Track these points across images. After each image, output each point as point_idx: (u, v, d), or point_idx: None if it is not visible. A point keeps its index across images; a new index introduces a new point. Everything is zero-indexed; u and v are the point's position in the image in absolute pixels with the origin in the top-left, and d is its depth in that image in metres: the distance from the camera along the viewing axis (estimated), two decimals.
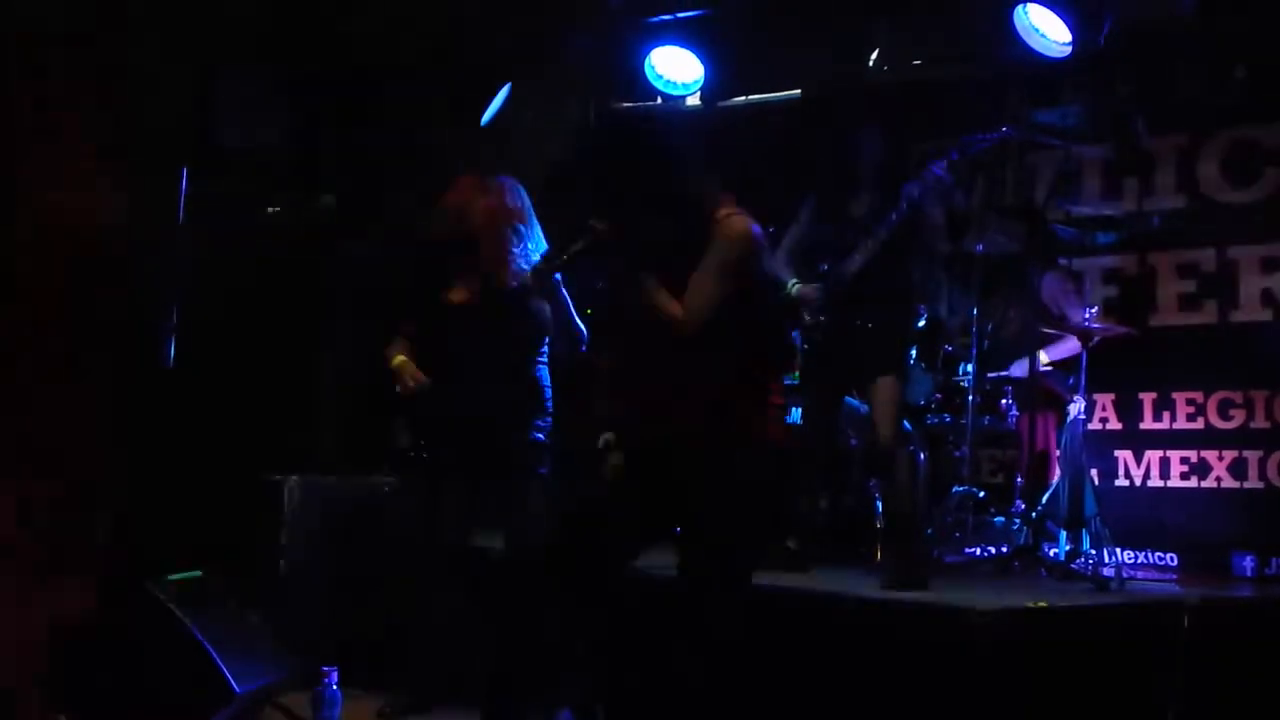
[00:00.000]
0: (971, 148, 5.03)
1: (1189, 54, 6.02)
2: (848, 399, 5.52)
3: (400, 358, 4.50)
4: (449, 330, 4.45)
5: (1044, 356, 5.67)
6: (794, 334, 5.87)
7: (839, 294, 4.87)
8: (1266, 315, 5.88)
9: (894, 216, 4.78)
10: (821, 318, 4.93)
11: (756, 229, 3.41)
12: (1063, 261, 6.13)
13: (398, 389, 4.48)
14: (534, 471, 4.42)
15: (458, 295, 4.50)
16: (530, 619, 3.69)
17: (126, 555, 5.53)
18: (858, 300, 4.84)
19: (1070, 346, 5.54)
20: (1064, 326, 5.47)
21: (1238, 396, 5.89)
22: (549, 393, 4.50)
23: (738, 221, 3.38)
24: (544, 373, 4.51)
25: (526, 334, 4.43)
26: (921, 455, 5.61)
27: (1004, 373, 5.75)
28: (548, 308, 4.40)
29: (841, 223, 4.95)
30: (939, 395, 5.86)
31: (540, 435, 4.46)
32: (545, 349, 4.51)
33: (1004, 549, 5.42)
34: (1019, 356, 5.61)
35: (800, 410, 5.50)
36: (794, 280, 5.02)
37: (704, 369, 3.32)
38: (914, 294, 5.28)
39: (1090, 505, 5.30)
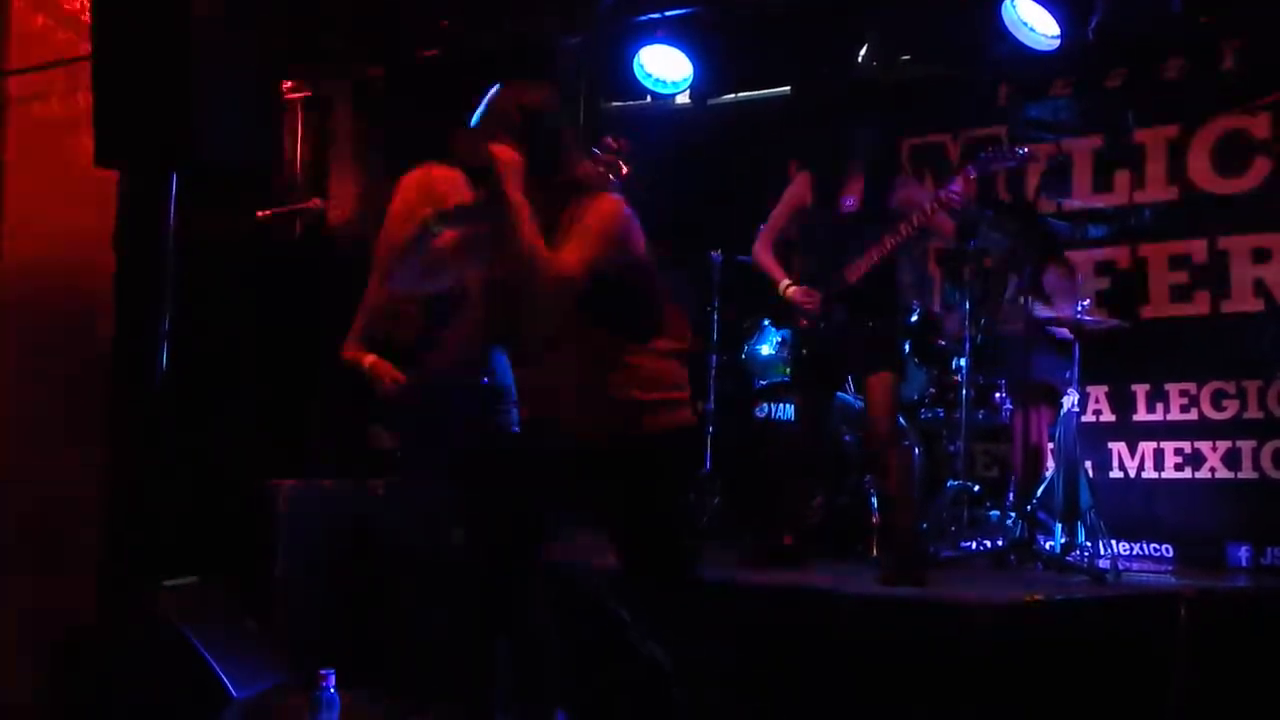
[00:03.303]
0: (990, 165, 5.01)
1: (1177, 45, 6.03)
2: (843, 395, 5.53)
3: (372, 357, 4.43)
4: (424, 321, 4.38)
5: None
6: (785, 334, 5.89)
7: (838, 296, 4.86)
8: (1258, 305, 5.88)
9: (905, 230, 4.76)
10: (822, 324, 4.91)
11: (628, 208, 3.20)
12: (1058, 254, 6.13)
13: (376, 390, 4.40)
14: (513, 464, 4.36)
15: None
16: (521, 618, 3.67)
17: (123, 562, 5.53)
18: (855, 299, 4.83)
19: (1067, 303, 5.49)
20: (1063, 320, 5.45)
21: (1230, 387, 5.90)
22: (512, 382, 4.44)
23: (610, 198, 3.20)
24: (504, 361, 4.45)
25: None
26: (916, 450, 5.61)
27: (1002, 379, 5.75)
28: None
29: (831, 220, 4.95)
30: (933, 390, 5.87)
31: (515, 427, 4.41)
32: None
33: (999, 543, 5.42)
34: (1024, 353, 5.57)
35: (794, 408, 5.51)
36: (786, 281, 5.01)
37: (627, 360, 3.17)
38: (908, 290, 5.27)
39: (1085, 498, 5.31)
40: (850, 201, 4.93)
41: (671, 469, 3.25)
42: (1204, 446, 5.93)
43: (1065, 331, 5.44)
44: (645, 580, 3.21)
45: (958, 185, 4.79)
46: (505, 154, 3.04)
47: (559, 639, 3.50)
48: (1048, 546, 5.27)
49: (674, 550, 3.24)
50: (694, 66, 6.45)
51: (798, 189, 5.09)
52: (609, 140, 3.77)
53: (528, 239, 3.00)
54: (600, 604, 3.58)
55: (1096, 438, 6.06)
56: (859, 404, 5.30)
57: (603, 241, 3.09)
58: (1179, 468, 5.99)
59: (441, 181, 4.46)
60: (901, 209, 4.86)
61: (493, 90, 3.20)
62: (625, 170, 3.67)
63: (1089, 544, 5.22)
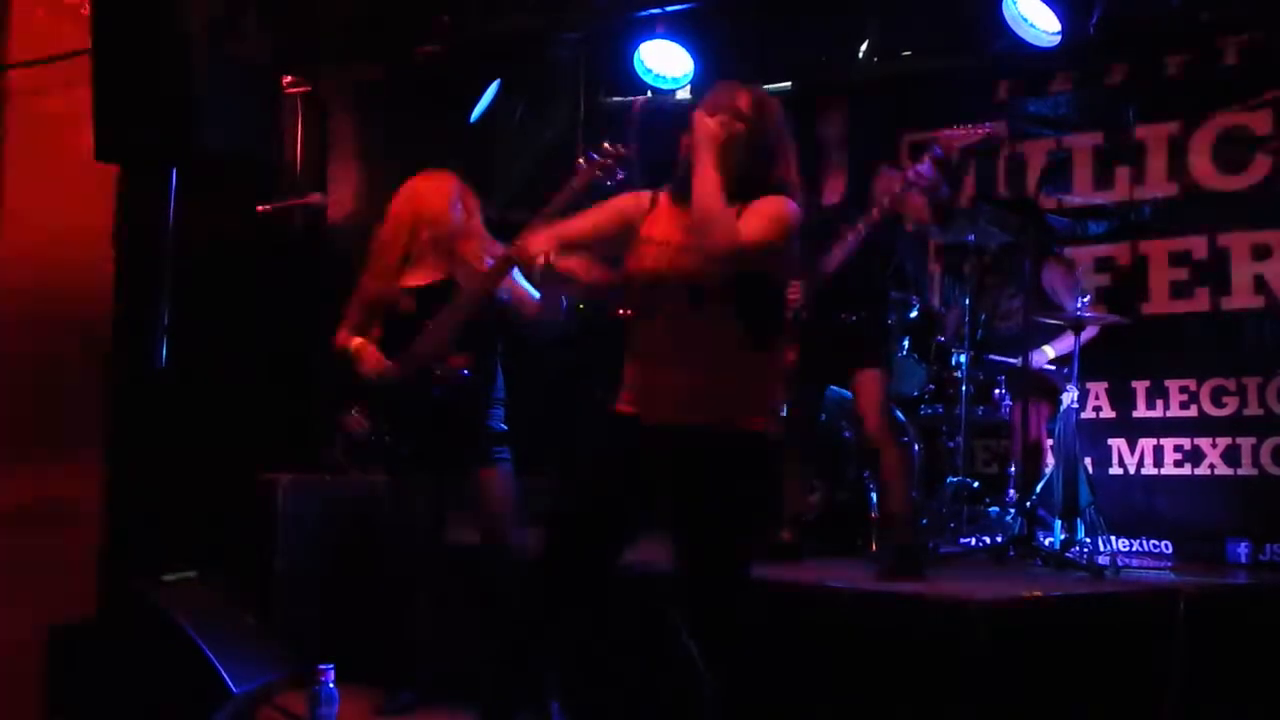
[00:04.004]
0: (952, 142, 5.02)
1: (1179, 41, 6.02)
2: (840, 390, 5.52)
3: (359, 340, 4.43)
4: (411, 314, 4.39)
5: (1050, 351, 5.67)
6: None
7: (821, 289, 4.85)
8: (1258, 302, 5.88)
9: (875, 213, 4.76)
10: (804, 315, 4.91)
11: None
12: (1057, 250, 6.12)
13: (359, 371, 4.40)
14: (499, 460, 4.39)
15: (417, 279, 4.44)
16: (512, 609, 3.66)
17: (123, 557, 5.53)
18: (840, 294, 4.83)
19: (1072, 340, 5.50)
20: (1062, 316, 5.46)
21: (1230, 384, 5.89)
22: (501, 379, 4.47)
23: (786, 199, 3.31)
24: (496, 359, 4.48)
25: (492, 318, 4.38)
26: (915, 446, 5.61)
27: (1005, 359, 5.74)
28: (529, 288, 4.30)
29: (814, 213, 4.94)
30: (932, 386, 5.87)
31: (500, 424, 4.42)
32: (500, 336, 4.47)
33: (999, 539, 5.43)
34: (1023, 349, 5.59)
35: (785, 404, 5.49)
36: None
37: (750, 357, 3.23)
38: (902, 285, 5.25)
39: (1084, 494, 5.31)
40: (833, 194, 4.94)
41: (764, 469, 3.31)
42: (1204, 443, 5.93)
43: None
44: (703, 580, 3.21)
45: (924, 165, 4.80)
46: (705, 124, 3.21)
47: (559, 634, 3.49)
48: (1047, 543, 5.27)
49: (739, 552, 3.26)
50: (694, 62, 6.44)
51: None
52: (607, 146, 3.80)
53: (708, 203, 3.14)
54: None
55: (1096, 434, 6.06)
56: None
57: (776, 226, 3.21)
58: (1179, 464, 5.99)
59: (426, 193, 4.47)
60: (879, 199, 4.86)
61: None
62: (620, 176, 3.73)
63: (1088, 540, 5.22)
